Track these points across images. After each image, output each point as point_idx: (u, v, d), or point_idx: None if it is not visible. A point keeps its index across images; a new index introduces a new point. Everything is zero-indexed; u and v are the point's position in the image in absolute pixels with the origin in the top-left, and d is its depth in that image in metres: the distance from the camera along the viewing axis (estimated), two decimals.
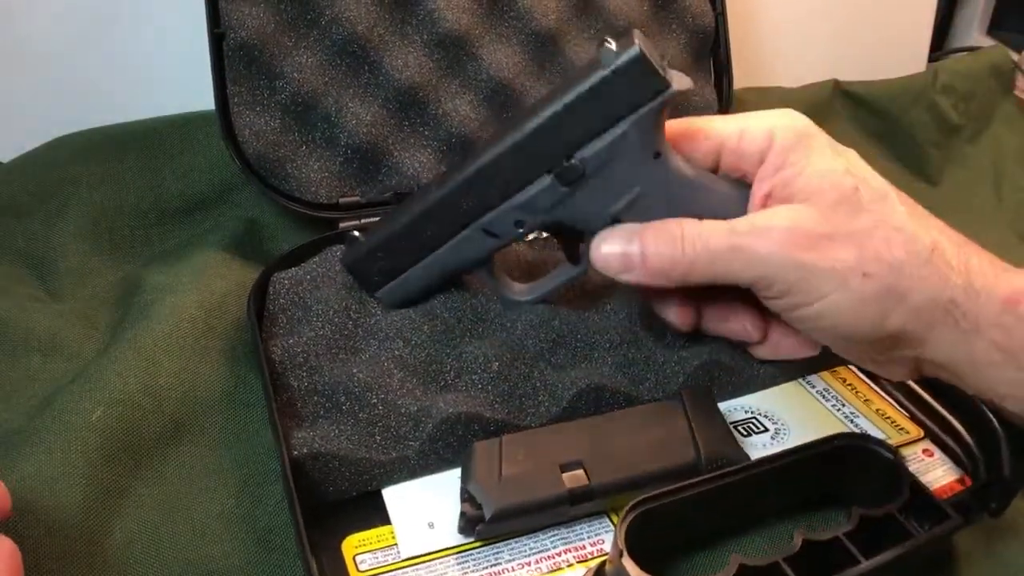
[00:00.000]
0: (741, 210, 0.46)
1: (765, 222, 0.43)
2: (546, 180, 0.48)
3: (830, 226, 0.42)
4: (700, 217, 0.46)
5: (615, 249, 0.47)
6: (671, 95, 0.45)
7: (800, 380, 0.57)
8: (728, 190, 0.48)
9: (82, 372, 0.51)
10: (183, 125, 0.66)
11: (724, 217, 0.45)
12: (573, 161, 0.47)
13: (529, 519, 0.45)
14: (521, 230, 0.50)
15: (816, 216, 0.43)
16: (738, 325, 0.52)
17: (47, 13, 0.66)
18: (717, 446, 0.47)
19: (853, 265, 0.41)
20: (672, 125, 0.48)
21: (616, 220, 0.48)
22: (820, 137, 0.45)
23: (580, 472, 0.45)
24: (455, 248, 0.52)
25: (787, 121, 0.46)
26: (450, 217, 0.51)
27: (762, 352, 0.53)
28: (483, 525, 0.43)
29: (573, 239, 0.52)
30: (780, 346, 0.52)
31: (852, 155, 0.46)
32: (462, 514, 0.44)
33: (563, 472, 0.45)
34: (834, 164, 0.44)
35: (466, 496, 0.44)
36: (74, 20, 0.67)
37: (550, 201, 0.49)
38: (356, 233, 0.55)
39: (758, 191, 0.46)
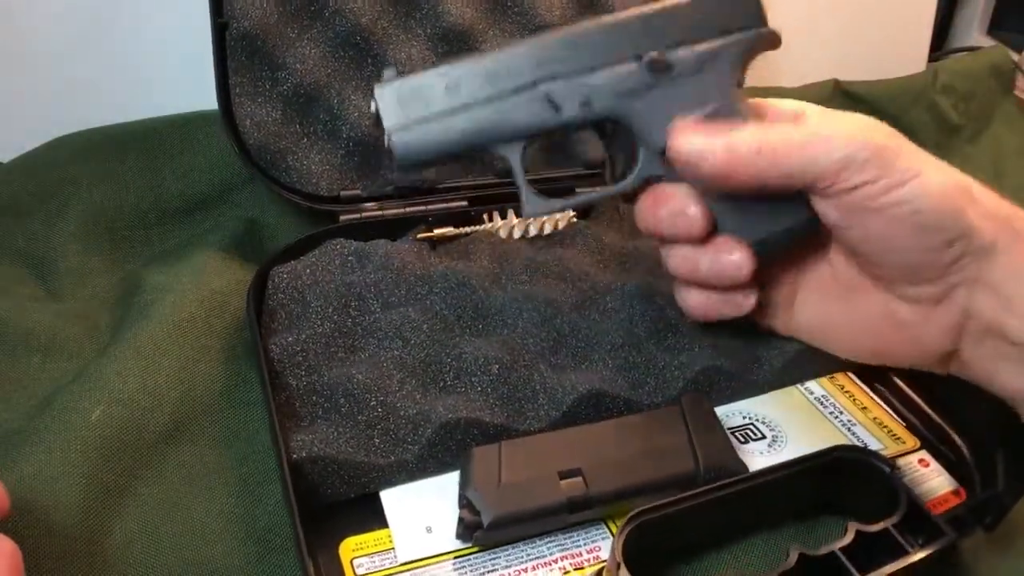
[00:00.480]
0: None
1: (820, 123, 0.45)
2: (633, 65, 0.47)
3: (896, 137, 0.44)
4: None
5: (695, 144, 0.45)
6: (769, 32, 0.49)
7: (798, 387, 0.57)
8: None
9: (82, 372, 0.50)
10: (183, 125, 0.66)
11: None
12: (667, 56, 0.47)
13: (527, 526, 0.45)
14: (582, 114, 0.47)
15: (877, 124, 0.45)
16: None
17: (47, 13, 0.65)
18: (716, 456, 0.47)
19: (925, 156, 0.43)
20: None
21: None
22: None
23: (579, 480, 0.45)
24: (507, 107, 0.47)
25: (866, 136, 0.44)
26: (518, 71, 0.47)
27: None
28: (481, 532, 0.43)
29: (623, 144, 0.50)
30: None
31: None
32: (460, 520, 0.44)
33: (562, 480, 0.45)
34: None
35: (464, 502, 0.44)
36: (74, 20, 0.66)
37: (628, 87, 0.47)
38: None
39: None
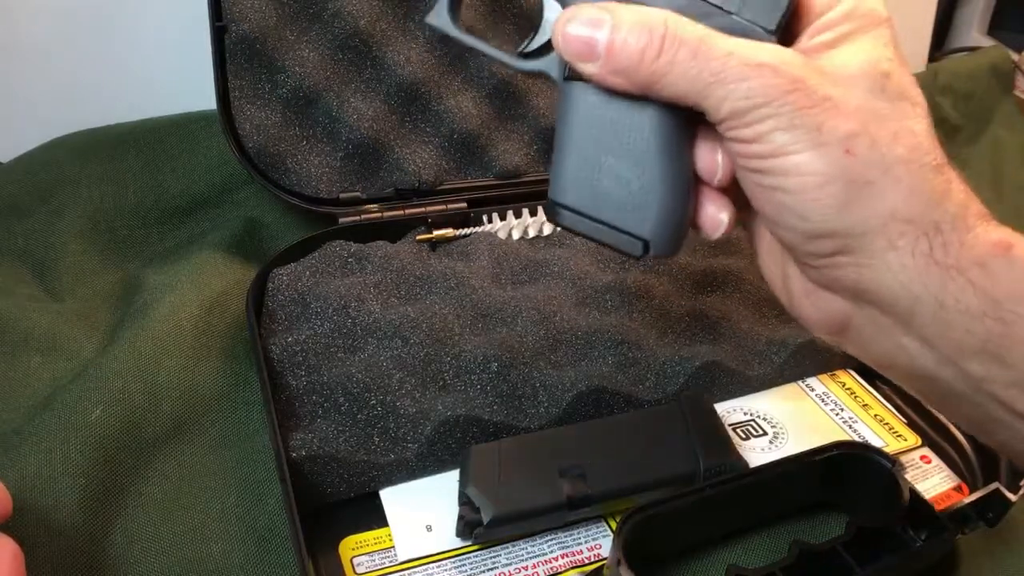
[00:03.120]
0: None
1: (772, 50, 0.36)
2: None
3: (841, 92, 0.36)
4: None
5: (580, 31, 0.37)
6: None
7: (799, 383, 0.57)
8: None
9: (82, 372, 0.50)
10: (183, 125, 0.66)
11: None
12: None
13: (527, 524, 0.45)
14: None
15: (835, 77, 0.36)
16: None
17: (47, 13, 0.65)
18: (716, 454, 0.47)
19: (842, 136, 0.35)
20: None
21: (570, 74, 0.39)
22: (887, 31, 0.39)
23: (579, 477, 0.45)
24: None
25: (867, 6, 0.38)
26: None
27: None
28: (481, 529, 0.43)
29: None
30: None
31: (904, 67, 0.39)
32: (460, 518, 0.44)
33: (561, 477, 0.45)
34: (882, 52, 0.38)
35: (464, 500, 0.44)
36: (74, 20, 0.66)
37: None
38: None
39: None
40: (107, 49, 0.68)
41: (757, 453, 0.51)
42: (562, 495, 0.44)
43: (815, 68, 0.36)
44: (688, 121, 0.38)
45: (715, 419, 0.49)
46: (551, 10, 0.40)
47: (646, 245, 0.39)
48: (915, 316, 0.36)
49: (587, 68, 0.37)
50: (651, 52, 0.36)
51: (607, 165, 0.39)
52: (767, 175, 0.36)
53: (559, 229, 0.66)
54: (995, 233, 0.36)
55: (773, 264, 0.42)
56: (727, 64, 0.35)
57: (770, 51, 0.36)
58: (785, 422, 0.53)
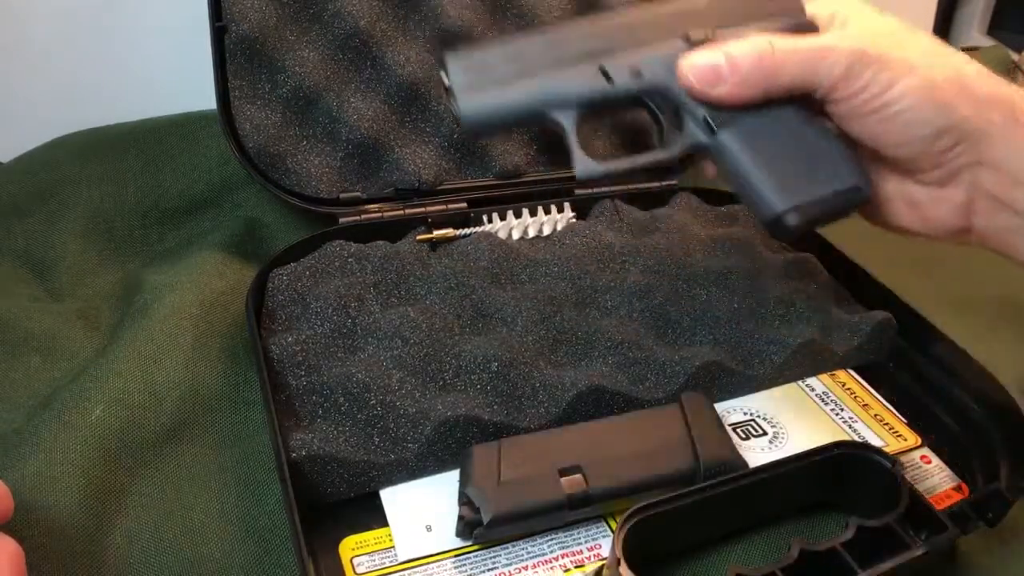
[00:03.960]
0: None
1: (841, 30, 0.48)
2: (680, 43, 0.51)
3: (899, 38, 0.47)
4: None
5: (703, 60, 0.48)
6: (808, 21, 0.51)
7: (799, 383, 0.57)
8: None
9: (82, 372, 0.51)
10: (183, 125, 0.66)
11: None
12: (712, 36, 0.51)
13: (527, 523, 0.45)
14: (633, 84, 0.51)
15: (888, 27, 0.47)
16: None
17: (47, 13, 0.66)
18: (716, 453, 0.47)
19: (921, 58, 0.45)
20: None
21: (707, 122, 0.50)
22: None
23: (579, 477, 0.45)
24: (564, 76, 0.51)
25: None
26: (577, 44, 0.51)
27: None
28: (481, 529, 0.43)
29: (668, 113, 0.52)
30: None
31: None
32: (460, 518, 0.44)
33: (562, 477, 0.45)
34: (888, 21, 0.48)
35: (464, 500, 0.44)
36: (74, 20, 0.66)
37: (675, 62, 0.50)
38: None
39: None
40: (107, 49, 0.68)
41: (757, 453, 0.51)
42: (562, 494, 0.44)
43: (852, 35, 0.47)
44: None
45: (715, 418, 0.49)
46: (690, 121, 0.50)
47: (858, 189, 0.49)
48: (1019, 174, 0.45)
49: (719, 90, 0.47)
50: (765, 56, 0.47)
51: (787, 160, 0.48)
52: (887, 107, 0.45)
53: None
54: None
55: (900, 203, 0.50)
56: (815, 47, 0.46)
57: (827, 36, 0.48)
58: (785, 422, 0.53)
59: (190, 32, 0.60)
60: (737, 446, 0.49)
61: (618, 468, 0.46)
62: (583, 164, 0.51)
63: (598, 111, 0.52)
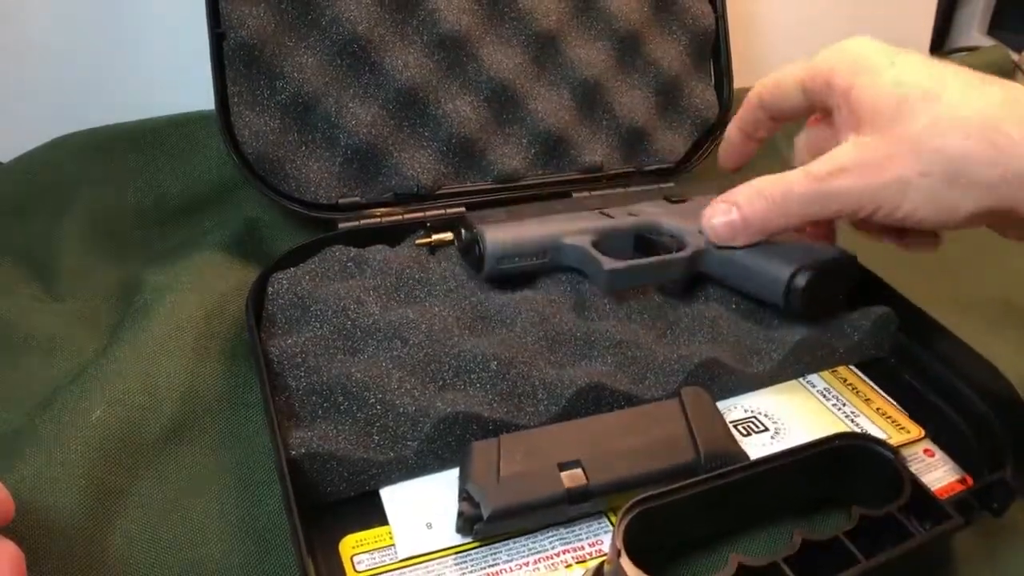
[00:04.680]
0: None
1: (838, 163, 0.49)
2: (662, 200, 0.65)
3: (889, 143, 0.47)
4: None
5: (720, 219, 0.54)
6: None
7: (800, 380, 0.57)
8: None
9: (82, 372, 0.51)
10: (183, 125, 0.66)
11: None
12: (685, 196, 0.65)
13: (527, 518, 0.44)
14: (632, 221, 0.62)
15: (876, 140, 0.48)
16: None
17: (47, 13, 0.66)
18: (717, 445, 0.47)
19: (913, 170, 0.46)
20: (762, 84, 0.57)
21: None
22: (873, 56, 0.50)
23: (578, 471, 0.45)
24: (574, 218, 0.62)
25: (838, 55, 0.51)
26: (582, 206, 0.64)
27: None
28: (481, 524, 0.43)
29: (666, 235, 0.62)
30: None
31: (906, 58, 0.49)
32: (460, 513, 0.44)
33: (561, 471, 0.45)
34: (883, 81, 0.48)
35: (464, 495, 0.44)
36: (74, 20, 0.67)
37: (659, 209, 0.64)
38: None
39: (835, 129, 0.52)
40: (107, 49, 0.68)
41: (758, 449, 0.50)
42: (562, 489, 0.44)
43: (862, 148, 0.48)
44: None
45: (715, 412, 0.49)
46: (689, 235, 0.59)
47: (843, 254, 0.57)
48: None
49: (738, 241, 0.54)
50: (772, 208, 0.51)
51: (779, 245, 0.55)
52: (905, 222, 0.48)
53: None
54: None
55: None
56: (824, 192, 0.49)
57: (825, 165, 0.49)
58: (786, 418, 0.53)
59: (190, 32, 0.61)
60: (739, 442, 0.49)
61: (618, 462, 0.46)
62: (609, 263, 0.57)
63: (607, 239, 0.60)
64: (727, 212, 0.54)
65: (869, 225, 0.54)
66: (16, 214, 0.61)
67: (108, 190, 0.64)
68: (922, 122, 0.46)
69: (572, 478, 0.45)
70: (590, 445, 0.46)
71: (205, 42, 0.59)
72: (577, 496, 0.44)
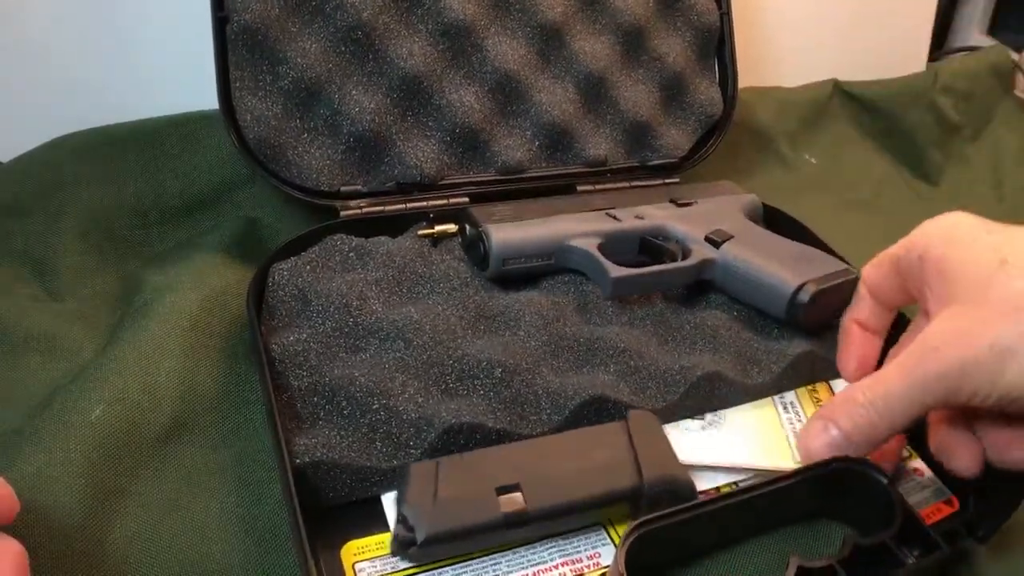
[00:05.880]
0: None
1: (929, 343, 0.43)
2: (668, 202, 0.67)
3: (984, 308, 0.42)
4: None
5: (819, 442, 0.47)
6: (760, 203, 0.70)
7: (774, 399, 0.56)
8: None
9: (82, 372, 0.50)
10: (183, 125, 0.66)
11: None
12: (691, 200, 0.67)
13: (463, 543, 0.44)
14: (638, 224, 0.63)
15: (969, 309, 0.43)
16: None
17: (47, 13, 0.65)
18: (662, 471, 0.46)
19: (1014, 336, 0.41)
20: (868, 264, 0.53)
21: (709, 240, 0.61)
22: (968, 226, 0.47)
23: (518, 496, 0.44)
24: (582, 219, 0.62)
25: (933, 226, 0.48)
26: (592, 205, 0.65)
27: None
28: (415, 549, 0.42)
29: (672, 241, 0.63)
30: None
31: (1005, 228, 0.46)
32: (394, 536, 0.43)
33: (500, 495, 0.44)
34: (979, 247, 0.45)
35: (400, 518, 0.43)
36: (74, 20, 0.66)
37: (666, 213, 0.65)
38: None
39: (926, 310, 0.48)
40: (106, 48, 0.67)
41: (689, 433, 0.52)
42: (499, 513, 0.43)
43: (956, 320, 0.43)
44: None
45: (661, 436, 0.49)
46: (694, 243, 0.62)
47: (848, 271, 0.58)
48: None
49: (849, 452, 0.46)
50: (877, 422, 0.44)
51: (784, 255, 0.58)
52: (1009, 399, 0.42)
53: None
54: None
55: (965, 450, 0.47)
56: (914, 387, 0.43)
57: (917, 351, 0.43)
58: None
59: (190, 32, 0.60)
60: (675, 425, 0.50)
61: (559, 486, 0.45)
62: (615, 271, 0.57)
63: (613, 242, 0.60)
64: (824, 430, 0.46)
65: (979, 417, 0.47)
66: (15, 214, 0.61)
67: (108, 190, 0.63)
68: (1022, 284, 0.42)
69: (511, 502, 0.43)
70: (532, 468, 0.45)
71: (205, 42, 0.59)
72: (515, 521, 0.43)
